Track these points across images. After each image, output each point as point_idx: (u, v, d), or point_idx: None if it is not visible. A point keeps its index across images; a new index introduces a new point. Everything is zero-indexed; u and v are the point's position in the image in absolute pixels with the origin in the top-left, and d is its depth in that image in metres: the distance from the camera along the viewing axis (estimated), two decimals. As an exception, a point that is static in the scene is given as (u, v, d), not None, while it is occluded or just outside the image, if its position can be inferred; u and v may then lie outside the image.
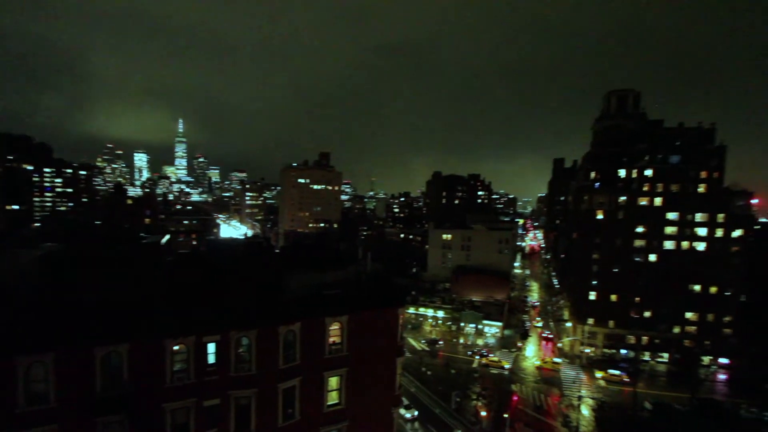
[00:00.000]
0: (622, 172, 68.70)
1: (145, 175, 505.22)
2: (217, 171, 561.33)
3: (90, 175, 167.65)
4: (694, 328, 65.68)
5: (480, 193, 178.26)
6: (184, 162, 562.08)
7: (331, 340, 23.31)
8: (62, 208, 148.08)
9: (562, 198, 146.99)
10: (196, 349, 19.47)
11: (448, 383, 55.14)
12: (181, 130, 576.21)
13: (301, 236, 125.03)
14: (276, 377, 21.43)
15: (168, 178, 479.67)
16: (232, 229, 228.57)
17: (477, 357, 65.35)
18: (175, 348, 19.03)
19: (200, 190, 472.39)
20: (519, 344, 71.85)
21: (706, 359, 63.11)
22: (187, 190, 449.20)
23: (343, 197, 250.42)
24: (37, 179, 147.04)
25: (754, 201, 67.31)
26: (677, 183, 65.73)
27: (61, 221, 49.89)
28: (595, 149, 76.80)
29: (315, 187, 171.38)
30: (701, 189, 65.15)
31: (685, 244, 65.40)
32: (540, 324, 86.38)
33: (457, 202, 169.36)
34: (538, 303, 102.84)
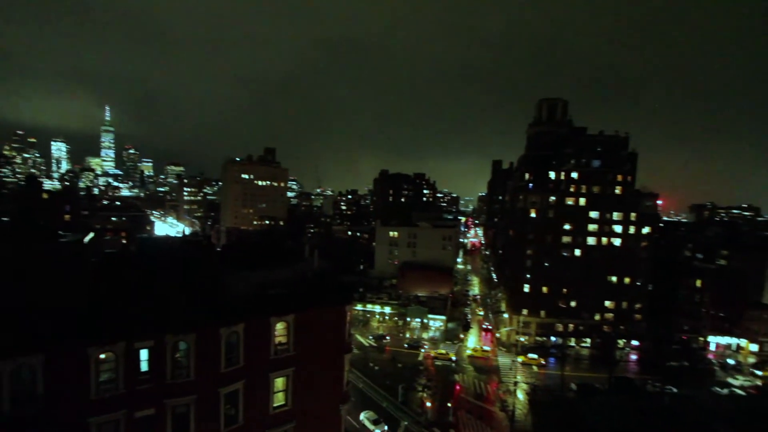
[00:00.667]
0: (552, 174, 74.50)
1: (65, 166, 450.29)
2: (151, 164, 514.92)
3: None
4: (611, 315, 73.54)
5: (425, 191, 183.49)
6: (111, 153, 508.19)
7: (277, 340, 22.78)
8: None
9: (500, 197, 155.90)
10: (127, 357, 18.00)
11: (394, 377, 56.32)
12: (108, 119, 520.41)
13: (245, 234, 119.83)
14: (217, 382, 20.50)
15: (92, 170, 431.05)
16: (168, 227, 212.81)
17: (421, 350, 67.47)
18: (101, 356, 17.46)
19: (131, 184, 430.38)
20: (461, 336, 75.34)
21: (621, 342, 70.98)
22: (116, 184, 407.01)
23: (290, 194, 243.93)
24: None
25: (660, 202, 76.92)
26: (598, 185, 73.00)
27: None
28: (529, 152, 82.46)
29: (260, 183, 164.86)
30: (617, 191, 72.96)
31: (604, 240, 73.02)
32: (481, 312, 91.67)
33: (403, 200, 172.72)
34: (479, 296, 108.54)
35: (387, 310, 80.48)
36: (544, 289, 74.09)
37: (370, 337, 72.47)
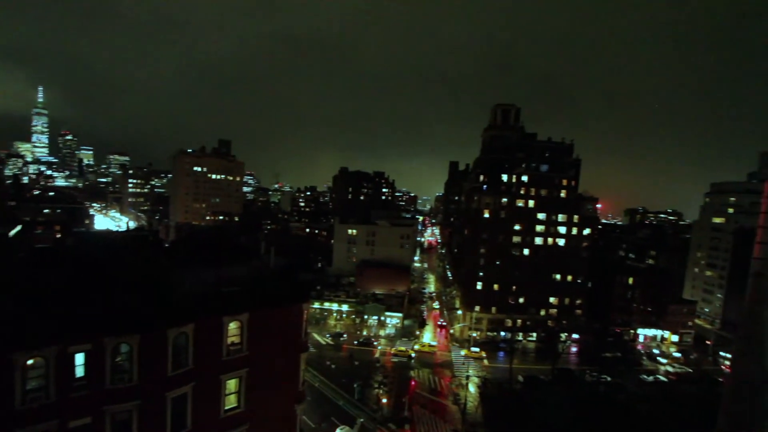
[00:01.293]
0: (505, 177, 78.11)
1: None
2: (91, 152, 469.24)
3: None
4: (555, 310, 78.59)
5: (384, 190, 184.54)
6: (45, 138, 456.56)
7: (230, 340, 21.96)
8: None
9: (457, 198, 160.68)
10: (58, 362, 16.51)
11: (351, 375, 56.38)
12: (41, 100, 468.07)
13: (197, 229, 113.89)
14: (164, 386, 19.38)
15: (21, 156, 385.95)
16: (110, 221, 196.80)
17: (378, 347, 68.07)
18: (29, 362, 15.89)
19: (68, 173, 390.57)
20: (417, 333, 76.90)
21: (564, 336, 76.04)
22: (50, 172, 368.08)
23: (246, 189, 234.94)
24: None
25: (599, 205, 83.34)
26: (546, 188, 77.60)
27: None
28: (484, 155, 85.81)
29: (213, 176, 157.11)
30: (563, 194, 77.99)
31: (550, 240, 77.81)
32: (437, 305, 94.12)
33: (362, 198, 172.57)
34: (435, 293, 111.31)
35: (345, 308, 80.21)
36: (496, 287, 77.56)
37: (328, 336, 71.92)
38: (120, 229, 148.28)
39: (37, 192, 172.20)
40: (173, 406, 19.83)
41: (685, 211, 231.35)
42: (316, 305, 78.80)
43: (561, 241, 77.93)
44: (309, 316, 27.33)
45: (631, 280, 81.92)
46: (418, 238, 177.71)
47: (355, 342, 69.77)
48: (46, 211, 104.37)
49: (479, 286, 77.67)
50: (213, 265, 23.37)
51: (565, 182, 78.07)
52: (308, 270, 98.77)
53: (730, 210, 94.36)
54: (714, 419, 38.85)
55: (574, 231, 77.98)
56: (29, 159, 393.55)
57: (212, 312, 21.25)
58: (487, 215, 77.12)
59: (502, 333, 76.99)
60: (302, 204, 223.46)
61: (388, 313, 77.26)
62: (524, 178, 77.36)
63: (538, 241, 77.65)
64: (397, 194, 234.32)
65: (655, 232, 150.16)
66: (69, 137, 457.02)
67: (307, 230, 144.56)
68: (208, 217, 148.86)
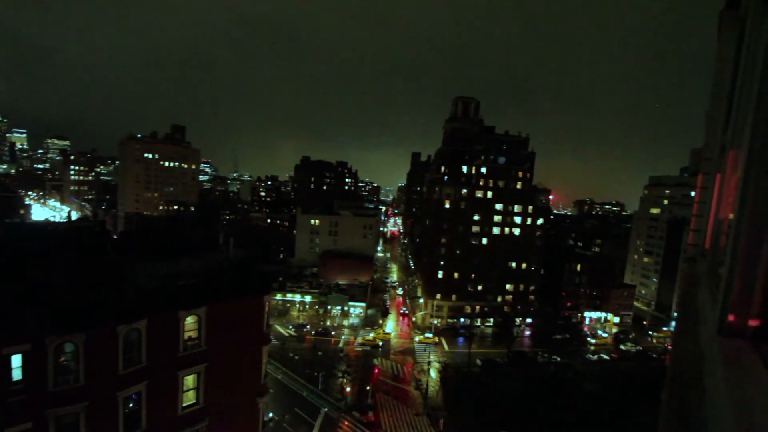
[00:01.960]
0: (465, 169, 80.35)
1: None
2: (25, 136, 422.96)
3: None
4: (510, 296, 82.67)
5: (347, 180, 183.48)
6: None
7: (187, 335, 21.24)
8: None
9: (419, 188, 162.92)
10: (-7, 365, 15.26)
11: (315, 365, 56.33)
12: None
13: (149, 220, 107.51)
14: (115, 385, 18.47)
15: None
16: (49, 211, 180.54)
17: (342, 337, 68.41)
18: (-43, 366, 14.54)
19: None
20: (380, 321, 78.02)
21: (518, 320, 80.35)
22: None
23: (202, 178, 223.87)
24: None
25: (551, 197, 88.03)
26: (503, 180, 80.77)
27: None
28: (445, 147, 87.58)
29: (166, 164, 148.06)
30: (519, 186, 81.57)
31: (507, 230, 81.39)
32: (400, 291, 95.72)
33: (325, 188, 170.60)
34: (397, 283, 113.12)
35: (308, 298, 79.62)
36: (456, 275, 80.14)
37: (290, 327, 71.18)
38: (61, 220, 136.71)
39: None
40: (126, 405, 19.00)
41: (627, 203, 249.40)
42: (279, 297, 77.53)
43: (517, 231, 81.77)
44: (271, 308, 26.95)
45: (579, 267, 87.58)
46: (381, 228, 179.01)
47: (313, 332, 69.41)
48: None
49: (440, 274, 79.88)
50: (167, 258, 22.35)
51: (521, 174, 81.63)
52: (270, 261, 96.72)
53: (665, 201, 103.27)
54: (648, 391, 42.99)
55: (529, 221, 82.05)
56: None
57: (167, 306, 20.42)
58: (447, 206, 79.11)
59: (462, 319, 79.95)
60: (263, 194, 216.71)
61: (351, 303, 77.65)
62: (483, 170, 79.97)
63: (496, 230, 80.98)
64: (360, 184, 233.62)
65: (600, 222, 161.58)
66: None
67: (269, 220, 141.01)
68: (161, 207, 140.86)
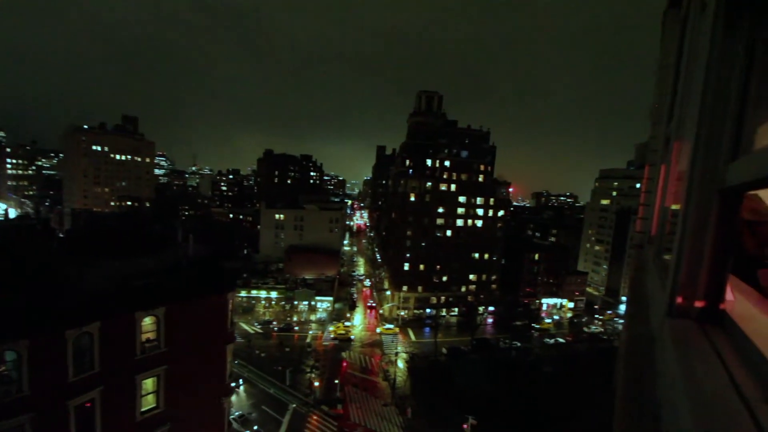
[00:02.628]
0: (429, 162, 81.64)
1: None
2: None
3: None
4: (474, 286, 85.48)
5: (312, 174, 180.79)
6: None
7: (145, 336, 20.22)
8: None
9: (384, 182, 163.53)
10: None
11: (282, 362, 55.55)
12: None
13: (100, 217, 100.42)
14: (64, 393, 17.29)
15: None
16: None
17: (309, 332, 67.85)
18: None
19: None
20: (348, 315, 78.08)
21: (481, 309, 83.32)
22: None
23: (158, 171, 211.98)
24: None
25: (511, 189, 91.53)
26: (466, 173, 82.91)
27: None
28: (409, 140, 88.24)
29: (118, 157, 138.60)
30: (480, 179, 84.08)
31: (470, 222, 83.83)
32: (368, 282, 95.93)
33: (289, 182, 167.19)
34: (364, 276, 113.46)
35: (273, 294, 78.07)
36: (422, 267, 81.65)
37: (256, 324, 69.60)
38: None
39: None
40: (78, 414, 17.85)
41: (580, 194, 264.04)
42: (243, 294, 75.44)
43: (479, 223, 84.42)
44: (235, 306, 26.21)
45: (536, 256, 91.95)
46: (348, 222, 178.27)
47: (276, 329, 68.21)
48: None
49: (406, 266, 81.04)
50: (121, 256, 21.09)
51: (482, 167, 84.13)
52: (233, 257, 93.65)
53: (614, 193, 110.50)
54: (599, 371, 46.19)
55: (491, 213, 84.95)
56: None
57: (121, 308, 19.30)
58: (413, 198, 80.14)
59: (428, 310, 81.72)
60: (224, 188, 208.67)
61: (318, 298, 77.03)
62: (447, 164, 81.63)
63: (459, 222, 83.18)
64: (325, 178, 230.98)
65: (556, 214, 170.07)
66: None
67: (231, 216, 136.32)
68: (113, 203, 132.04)
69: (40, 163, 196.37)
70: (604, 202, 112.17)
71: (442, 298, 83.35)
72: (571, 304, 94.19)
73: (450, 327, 78.14)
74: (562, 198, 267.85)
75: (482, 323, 79.14)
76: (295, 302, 76.57)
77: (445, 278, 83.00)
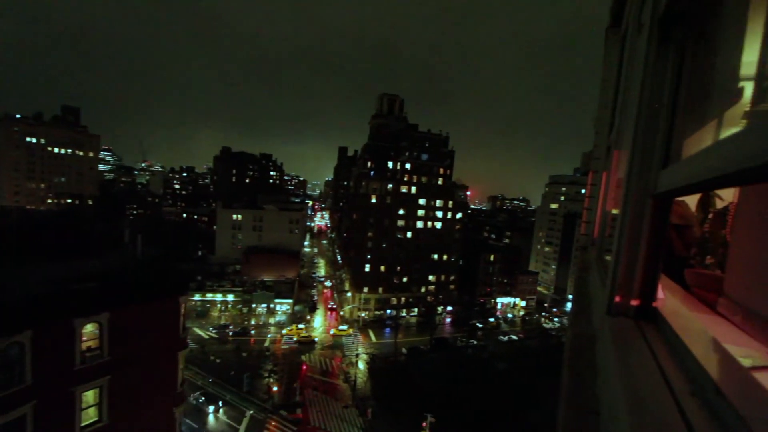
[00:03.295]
0: (390, 164, 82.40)
1: None
2: None
3: None
4: (433, 287, 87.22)
5: (272, 173, 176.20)
6: None
7: (86, 345, 18.68)
8: None
9: (346, 183, 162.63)
10: None
11: (239, 367, 53.45)
12: None
13: (34, 215, 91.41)
14: (-13, 410, 15.57)
15: None
16: None
17: (269, 336, 65.87)
18: None
19: None
20: (308, 317, 76.71)
21: (440, 309, 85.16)
22: None
23: (103, 167, 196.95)
24: None
25: (468, 193, 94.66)
26: (426, 176, 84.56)
27: None
28: (371, 142, 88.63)
29: (56, 150, 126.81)
30: (440, 182, 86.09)
31: (429, 223, 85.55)
32: (329, 284, 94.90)
33: (248, 181, 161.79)
34: (325, 277, 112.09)
35: (230, 297, 75.10)
36: (382, 268, 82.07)
37: (211, 329, 66.45)
38: None
39: None
40: (4, 433, 16.14)
41: (532, 198, 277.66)
42: (197, 297, 71.94)
43: (438, 225, 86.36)
44: (188, 310, 24.89)
45: (492, 257, 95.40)
46: (309, 223, 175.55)
47: (231, 333, 65.71)
48: None
49: (367, 267, 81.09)
50: (58, 258, 19.34)
51: (442, 171, 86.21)
52: (187, 259, 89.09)
53: (562, 198, 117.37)
54: (549, 365, 48.74)
55: (449, 215, 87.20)
56: None
57: (58, 315, 17.70)
58: (374, 200, 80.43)
59: (389, 311, 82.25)
60: (178, 186, 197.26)
61: (277, 300, 75.06)
62: (407, 166, 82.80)
63: (420, 224, 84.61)
64: (285, 178, 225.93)
65: (510, 216, 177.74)
66: None
67: (185, 215, 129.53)
68: (50, 201, 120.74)
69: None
70: (553, 206, 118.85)
71: (403, 298, 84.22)
72: (523, 303, 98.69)
73: (410, 327, 79.11)
74: (516, 202, 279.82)
75: (441, 323, 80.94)
76: (254, 305, 74.10)
77: (405, 279, 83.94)
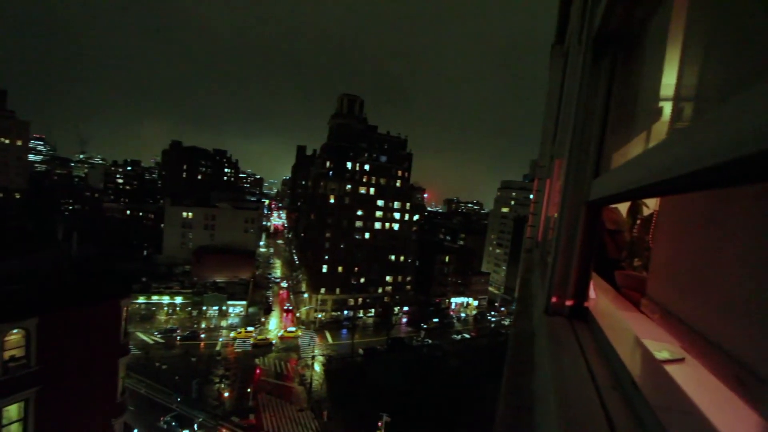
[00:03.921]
0: (349, 165, 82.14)
1: None
2: None
3: None
4: (390, 287, 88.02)
5: (227, 170, 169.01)
6: None
7: (9, 354, 16.81)
8: None
9: (304, 182, 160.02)
10: None
11: (188, 373, 50.56)
12: None
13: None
14: None
15: None
16: None
17: (220, 340, 62.99)
18: None
19: None
20: (263, 319, 74.31)
21: (397, 309, 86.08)
22: None
23: (33, 158, 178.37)
24: None
25: (425, 195, 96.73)
26: (384, 177, 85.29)
27: None
28: (330, 142, 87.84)
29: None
30: (398, 184, 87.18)
31: (387, 225, 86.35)
32: (285, 285, 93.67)
33: (200, 177, 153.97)
34: (281, 278, 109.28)
35: (178, 300, 70.86)
36: (340, 269, 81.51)
37: (156, 333, 62.27)
38: None
39: None
40: None
41: (485, 202, 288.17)
42: (142, 300, 67.25)
43: (396, 226, 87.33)
44: (131, 314, 23.18)
45: (447, 258, 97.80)
46: (265, 222, 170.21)
47: (179, 338, 62.27)
48: None
49: (325, 268, 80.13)
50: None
51: (400, 173, 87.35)
52: (130, 259, 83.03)
53: (512, 202, 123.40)
54: (498, 361, 50.85)
55: (407, 217, 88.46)
56: None
57: (-27, 321, 15.79)
58: (332, 200, 79.75)
59: (346, 312, 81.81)
60: (121, 181, 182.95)
61: (230, 302, 72.03)
62: (366, 167, 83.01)
63: (377, 225, 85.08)
64: (241, 175, 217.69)
65: (465, 219, 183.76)
66: None
67: (129, 212, 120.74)
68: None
69: None
70: (504, 210, 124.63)
71: (360, 299, 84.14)
72: (476, 303, 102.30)
73: (367, 328, 79.21)
74: (470, 205, 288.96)
75: (397, 323, 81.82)
76: (204, 308, 70.56)
77: (362, 280, 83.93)
